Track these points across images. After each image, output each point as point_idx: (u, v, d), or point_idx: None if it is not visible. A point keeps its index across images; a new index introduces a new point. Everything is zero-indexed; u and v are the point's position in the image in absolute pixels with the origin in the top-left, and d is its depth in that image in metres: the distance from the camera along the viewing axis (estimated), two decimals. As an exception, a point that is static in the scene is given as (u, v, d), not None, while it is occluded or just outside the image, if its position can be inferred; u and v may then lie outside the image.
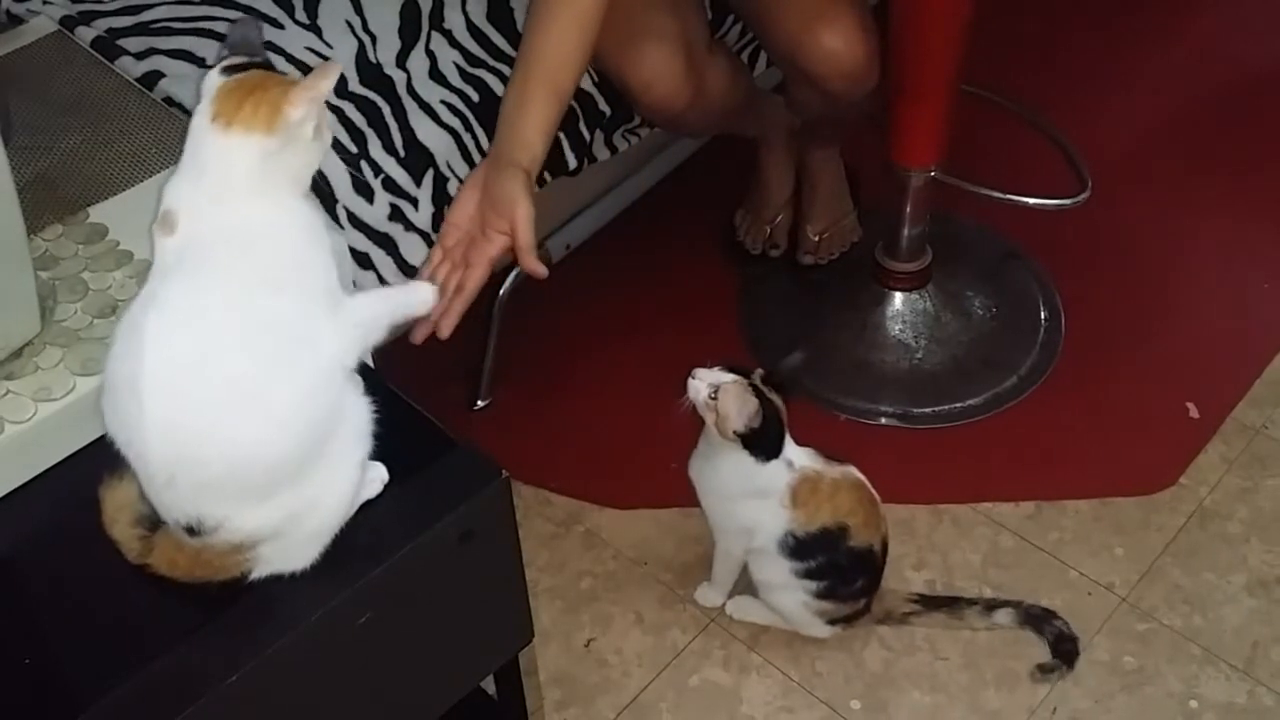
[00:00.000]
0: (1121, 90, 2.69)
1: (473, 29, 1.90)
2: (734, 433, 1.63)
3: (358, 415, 1.05)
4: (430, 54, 1.86)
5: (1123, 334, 2.25)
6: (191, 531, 0.99)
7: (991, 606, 1.85)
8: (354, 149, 1.73)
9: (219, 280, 0.98)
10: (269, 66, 1.04)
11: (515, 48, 1.89)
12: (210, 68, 1.04)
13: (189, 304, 0.97)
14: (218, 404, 0.96)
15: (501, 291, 2.11)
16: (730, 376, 1.64)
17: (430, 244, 1.81)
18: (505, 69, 1.86)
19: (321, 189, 1.65)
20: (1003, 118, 2.44)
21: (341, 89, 1.79)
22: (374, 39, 1.86)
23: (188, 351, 0.96)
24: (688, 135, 2.17)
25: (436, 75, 1.84)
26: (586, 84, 1.90)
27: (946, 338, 2.25)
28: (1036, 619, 1.83)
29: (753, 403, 1.62)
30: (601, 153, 1.98)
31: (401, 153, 1.76)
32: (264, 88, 0.99)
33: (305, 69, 1.79)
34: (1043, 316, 2.29)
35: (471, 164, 1.82)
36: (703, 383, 1.63)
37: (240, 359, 0.97)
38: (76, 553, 1.07)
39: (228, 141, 0.98)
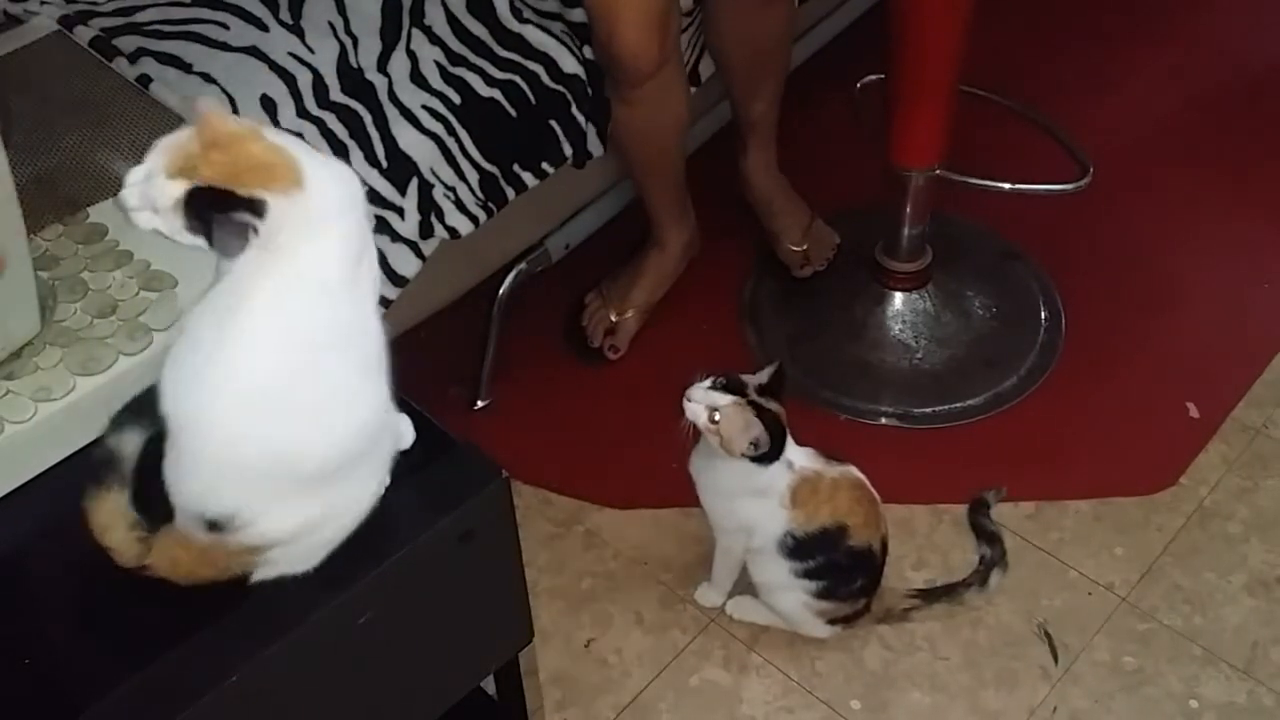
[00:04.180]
0: (1122, 91, 2.69)
1: (453, 22, 1.89)
2: (741, 454, 1.63)
3: (393, 437, 1.07)
4: (411, 54, 1.85)
5: (1123, 334, 2.25)
6: (213, 526, 0.98)
7: (984, 577, 1.87)
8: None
9: (316, 297, 0.97)
10: None
11: (497, 41, 1.89)
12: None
13: (293, 326, 0.97)
14: (293, 426, 0.97)
15: (501, 291, 2.11)
16: (727, 398, 1.61)
17: (418, 253, 1.81)
18: (487, 65, 1.86)
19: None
20: (1003, 118, 2.44)
21: (323, 98, 1.79)
22: (355, 41, 1.85)
23: (281, 375, 0.96)
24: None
25: (418, 78, 1.83)
26: (572, 65, 1.89)
27: (947, 338, 2.25)
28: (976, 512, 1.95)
29: (756, 426, 1.61)
30: (596, 148, 1.97)
31: (384, 163, 1.76)
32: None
33: (287, 75, 1.79)
34: (1043, 316, 2.29)
35: (456, 169, 1.81)
36: (700, 405, 1.61)
37: (326, 388, 0.98)
38: (76, 553, 1.07)
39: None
